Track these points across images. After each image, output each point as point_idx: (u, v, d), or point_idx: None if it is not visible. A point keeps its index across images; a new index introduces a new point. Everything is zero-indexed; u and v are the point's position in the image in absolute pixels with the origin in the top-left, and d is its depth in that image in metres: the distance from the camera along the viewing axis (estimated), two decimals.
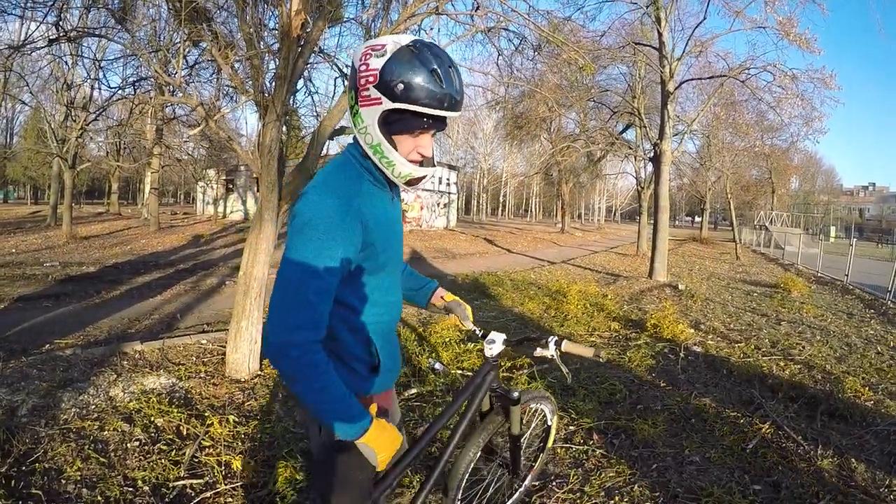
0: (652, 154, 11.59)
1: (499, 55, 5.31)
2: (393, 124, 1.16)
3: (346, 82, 1.30)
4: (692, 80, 12.10)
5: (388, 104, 1.12)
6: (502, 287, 8.69)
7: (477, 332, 1.72)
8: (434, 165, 1.31)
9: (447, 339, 4.69)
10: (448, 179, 25.92)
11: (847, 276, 12.41)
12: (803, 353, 5.38)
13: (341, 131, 4.02)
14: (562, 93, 11.88)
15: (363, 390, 1.30)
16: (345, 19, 4.80)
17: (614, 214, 55.94)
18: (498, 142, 35.06)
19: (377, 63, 1.11)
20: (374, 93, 1.12)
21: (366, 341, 1.30)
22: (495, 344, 1.68)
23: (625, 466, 2.76)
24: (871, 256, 22.96)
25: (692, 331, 6.05)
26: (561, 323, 5.91)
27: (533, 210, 57.75)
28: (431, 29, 4.78)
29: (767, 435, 3.25)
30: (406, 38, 1.15)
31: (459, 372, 4.01)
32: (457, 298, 1.75)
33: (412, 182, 1.25)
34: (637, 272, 12.23)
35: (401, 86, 1.10)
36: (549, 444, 2.33)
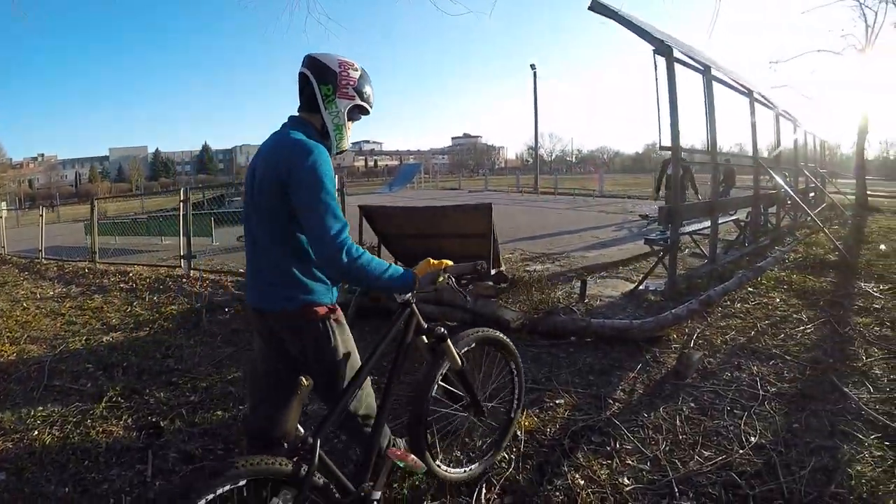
0: None
1: None
2: (351, 114, 1.75)
3: (315, 78, 1.68)
4: None
5: (358, 101, 1.74)
6: None
7: None
8: None
9: None
10: None
11: (3, 247, 12.58)
12: None
13: None
14: None
15: (329, 300, 1.71)
16: None
17: None
18: None
19: (355, 74, 1.72)
20: (352, 92, 1.72)
21: None
22: None
23: None
24: (35, 224, 23.42)
25: None
26: None
27: None
28: None
29: None
30: (357, 64, 1.76)
31: None
32: None
33: (340, 152, 1.83)
34: None
35: (367, 93, 1.77)
36: (520, 378, 2.33)
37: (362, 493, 1.66)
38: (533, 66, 32.54)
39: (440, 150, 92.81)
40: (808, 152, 12.27)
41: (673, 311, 3.88)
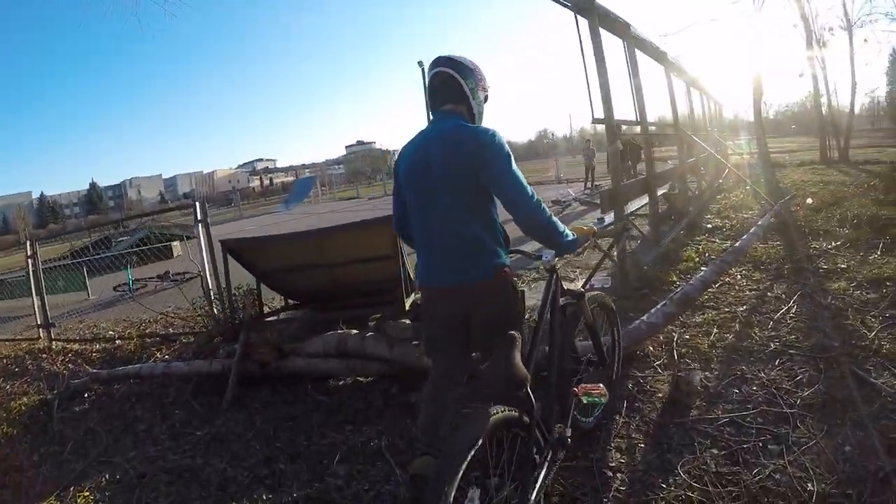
0: None
1: None
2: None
3: (459, 75, 1.86)
4: None
5: (488, 92, 1.97)
6: None
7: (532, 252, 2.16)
8: None
9: None
10: None
11: None
12: None
13: None
14: None
15: (505, 263, 1.84)
16: None
17: None
18: None
19: (482, 71, 1.93)
20: (485, 84, 1.95)
21: (502, 230, 1.90)
22: (550, 254, 1.96)
23: None
24: None
25: None
26: None
27: None
28: None
29: None
30: None
31: None
32: None
33: None
34: None
35: (489, 86, 1.99)
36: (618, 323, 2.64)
37: (556, 436, 1.80)
38: (420, 64, 32.16)
39: (335, 161, 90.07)
40: (711, 117, 12.50)
41: (645, 319, 3.16)
